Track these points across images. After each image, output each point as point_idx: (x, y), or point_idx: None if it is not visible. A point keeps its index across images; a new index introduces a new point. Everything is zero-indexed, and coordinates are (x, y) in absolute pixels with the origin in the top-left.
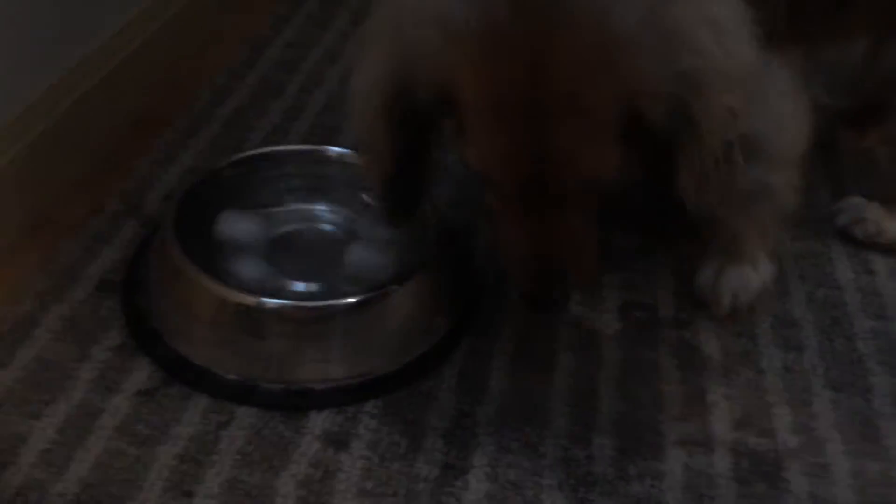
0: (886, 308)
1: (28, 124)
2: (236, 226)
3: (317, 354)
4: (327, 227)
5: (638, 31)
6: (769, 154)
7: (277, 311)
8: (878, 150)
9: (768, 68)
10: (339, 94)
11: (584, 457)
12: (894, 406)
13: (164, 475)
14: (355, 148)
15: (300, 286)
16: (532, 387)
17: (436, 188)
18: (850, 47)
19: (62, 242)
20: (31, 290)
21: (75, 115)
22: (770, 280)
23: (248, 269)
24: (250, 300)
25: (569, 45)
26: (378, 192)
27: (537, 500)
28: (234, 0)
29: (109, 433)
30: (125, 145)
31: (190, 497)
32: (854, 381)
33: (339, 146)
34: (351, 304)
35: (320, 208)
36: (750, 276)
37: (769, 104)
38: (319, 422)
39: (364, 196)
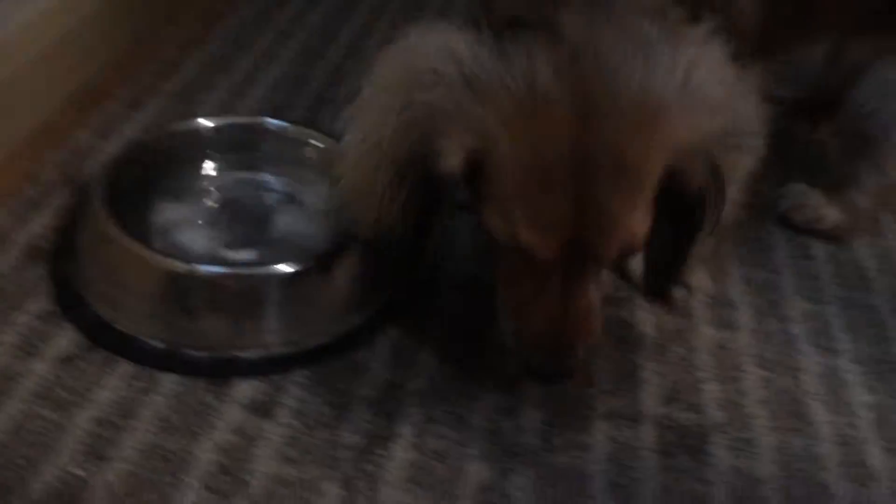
0: (822, 291)
1: None
2: (171, 216)
3: (247, 323)
4: (273, 195)
5: (675, 93)
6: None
7: (209, 279)
8: (827, 142)
9: (740, 82)
10: (289, 75)
11: (513, 428)
12: (823, 386)
13: (80, 439)
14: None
15: (237, 255)
16: (464, 361)
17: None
18: (815, 47)
19: None
20: None
21: (12, 85)
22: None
23: (185, 237)
24: (181, 267)
25: (613, 107)
26: (370, 242)
27: (460, 469)
28: None
29: (27, 397)
30: (66, 117)
31: (105, 461)
32: (785, 360)
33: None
34: (286, 275)
35: (266, 178)
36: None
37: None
38: (245, 390)
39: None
